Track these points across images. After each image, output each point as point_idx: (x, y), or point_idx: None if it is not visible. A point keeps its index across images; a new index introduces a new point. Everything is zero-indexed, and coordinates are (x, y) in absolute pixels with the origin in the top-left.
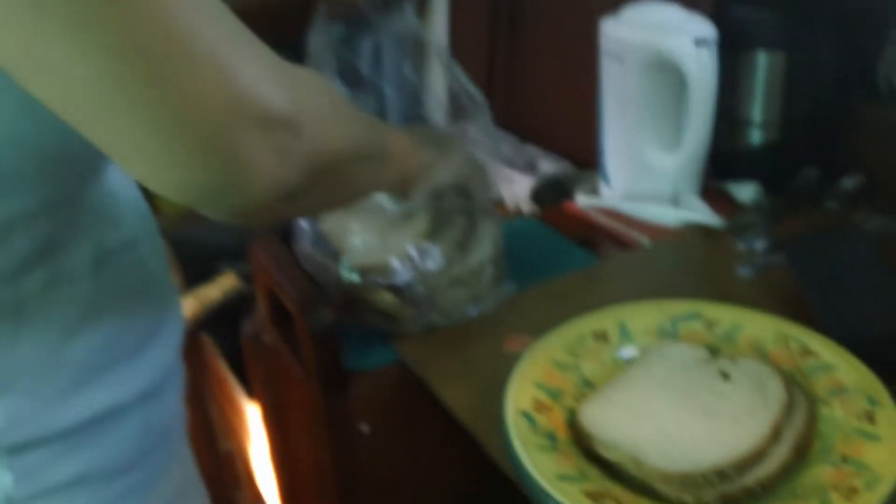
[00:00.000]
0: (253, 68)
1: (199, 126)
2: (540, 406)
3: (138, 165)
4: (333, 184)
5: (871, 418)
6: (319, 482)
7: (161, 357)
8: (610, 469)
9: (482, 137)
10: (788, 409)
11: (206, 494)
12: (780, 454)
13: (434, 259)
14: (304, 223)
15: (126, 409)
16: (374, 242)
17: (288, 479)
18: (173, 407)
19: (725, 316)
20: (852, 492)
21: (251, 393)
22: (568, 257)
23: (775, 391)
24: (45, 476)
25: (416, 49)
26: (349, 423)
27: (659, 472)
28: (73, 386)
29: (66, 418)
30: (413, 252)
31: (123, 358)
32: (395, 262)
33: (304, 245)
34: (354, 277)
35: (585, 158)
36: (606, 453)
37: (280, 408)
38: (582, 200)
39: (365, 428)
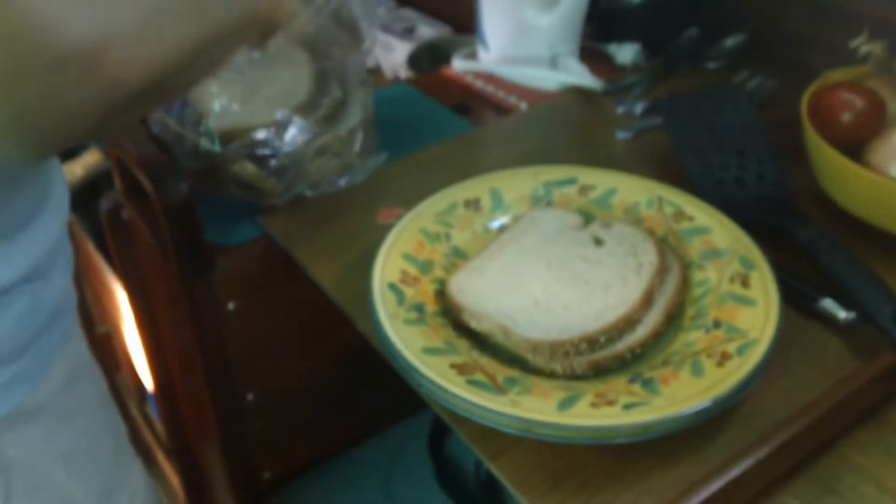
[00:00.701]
0: None
1: None
2: (407, 278)
3: None
4: (173, 86)
5: (744, 282)
6: (187, 362)
7: (46, 235)
8: (480, 341)
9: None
10: (661, 274)
11: (102, 377)
12: (651, 321)
13: (301, 130)
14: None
15: (9, 291)
16: (238, 107)
17: (158, 361)
18: (62, 287)
19: (600, 180)
20: (725, 357)
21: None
22: (444, 125)
23: (648, 256)
24: None
25: None
26: (213, 301)
27: (527, 340)
28: None
29: None
30: (280, 119)
31: (3, 238)
32: (260, 130)
33: (189, 139)
34: (214, 146)
35: (466, 23)
36: (475, 324)
37: (145, 288)
38: (458, 65)
39: (231, 306)
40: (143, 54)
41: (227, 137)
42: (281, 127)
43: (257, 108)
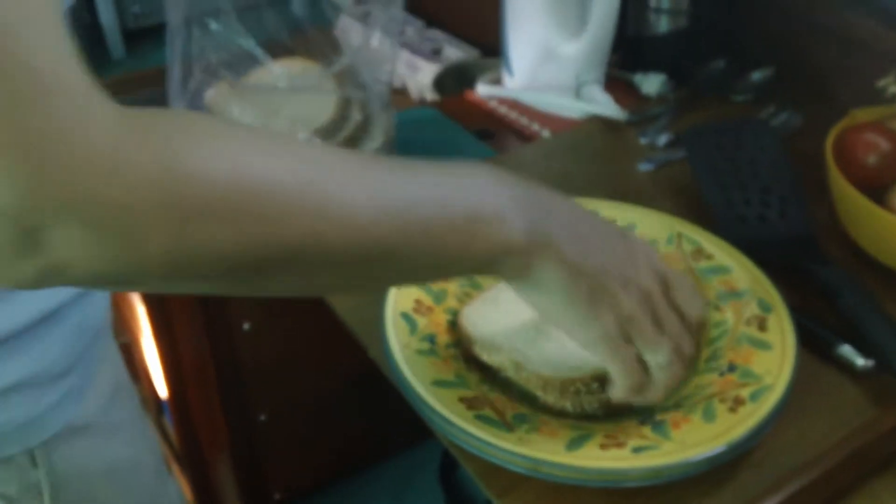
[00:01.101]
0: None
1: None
2: (421, 307)
3: None
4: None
5: (761, 325)
6: (201, 379)
7: None
8: (490, 375)
9: (386, 21)
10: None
11: (136, 394)
12: None
13: None
14: (179, 101)
15: (62, 310)
16: (262, 126)
17: (174, 375)
18: (102, 305)
19: (620, 214)
20: (738, 402)
21: None
22: (466, 150)
23: None
24: None
25: None
26: (229, 321)
27: (539, 377)
28: (6, 292)
29: (2, 325)
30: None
31: None
32: None
33: None
34: None
35: (494, 45)
36: (486, 357)
37: (163, 303)
38: (482, 90)
39: (246, 326)
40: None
41: None
42: None
43: (279, 129)
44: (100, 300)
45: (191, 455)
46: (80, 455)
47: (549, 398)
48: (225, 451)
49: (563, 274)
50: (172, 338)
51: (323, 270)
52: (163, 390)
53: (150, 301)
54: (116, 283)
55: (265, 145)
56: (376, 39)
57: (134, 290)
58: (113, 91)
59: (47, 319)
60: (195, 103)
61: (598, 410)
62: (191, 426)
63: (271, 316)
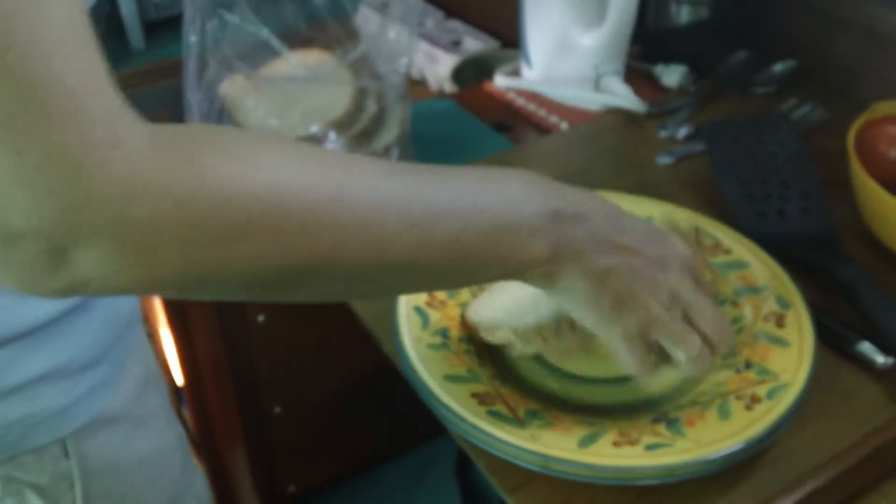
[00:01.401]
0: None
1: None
2: (434, 301)
3: None
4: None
5: (779, 322)
6: (217, 370)
7: None
8: (503, 371)
9: (404, 11)
10: None
11: (164, 385)
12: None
13: (336, 145)
14: (194, 93)
15: (91, 301)
16: (275, 121)
17: (190, 365)
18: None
19: (637, 207)
20: (754, 400)
21: None
22: (483, 142)
23: None
24: (10, 374)
25: None
26: (243, 313)
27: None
28: None
29: (32, 316)
30: (315, 133)
31: None
32: None
33: (194, 115)
34: None
35: (514, 37)
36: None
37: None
38: (500, 81)
39: (261, 318)
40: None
41: None
42: (316, 141)
43: (294, 121)
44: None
45: (207, 445)
46: (111, 446)
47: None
48: (240, 443)
49: (589, 283)
50: (188, 329)
51: (345, 282)
52: (180, 380)
53: None
54: (138, 293)
55: (290, 160)
56: (393, 29)
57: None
58: (133, 82)
59: (77, 310)
60: (210, 95)
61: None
62: (206, 417)
63: (286, 309)
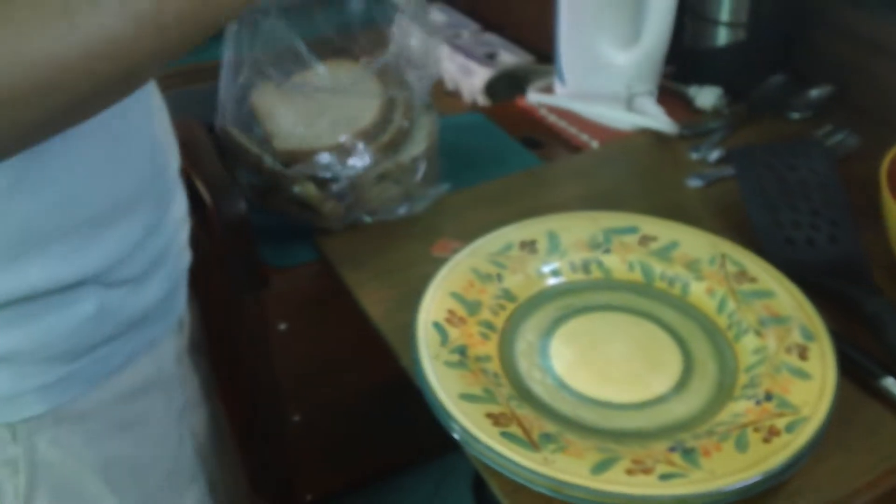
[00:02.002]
0: None
1: None
2: (453, 318)
3: None
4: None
5: (802, 354)
6: (236, 374)
7: (125, 240)
8: (520, 391)
9: (428, 19)
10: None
11: (182, 393)
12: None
13: (363, 155)
14: (227, 97)
15: (75, 288)
16: (303, 129)
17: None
18: (154, 299)
19: (663, 231)
20: (772, 433)
21: None
22: (512, 158)
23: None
24: None
25: None
26: (264, 321)
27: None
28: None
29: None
30: (343, 143)
31: (77, 231)
32: (323, 154)
33: (226, 119)
34: (277, 165)
35: (549, 51)
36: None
37: (202, 295)
38: (532, 97)
39: (282, 326)
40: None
41: (290, 158)
42: (344, 151)
43: (322, 131)
44: (145, 294)
45: None
46: (71, 443)
47: None
48: (256, 452)
49: None
50: (209, 330)
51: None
52: None
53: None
54: None
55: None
56: (421, 39)
57: None
58: (174, 82)
59: (53, 294)
60: (241, 100)
61: None
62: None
63: (308, 318)
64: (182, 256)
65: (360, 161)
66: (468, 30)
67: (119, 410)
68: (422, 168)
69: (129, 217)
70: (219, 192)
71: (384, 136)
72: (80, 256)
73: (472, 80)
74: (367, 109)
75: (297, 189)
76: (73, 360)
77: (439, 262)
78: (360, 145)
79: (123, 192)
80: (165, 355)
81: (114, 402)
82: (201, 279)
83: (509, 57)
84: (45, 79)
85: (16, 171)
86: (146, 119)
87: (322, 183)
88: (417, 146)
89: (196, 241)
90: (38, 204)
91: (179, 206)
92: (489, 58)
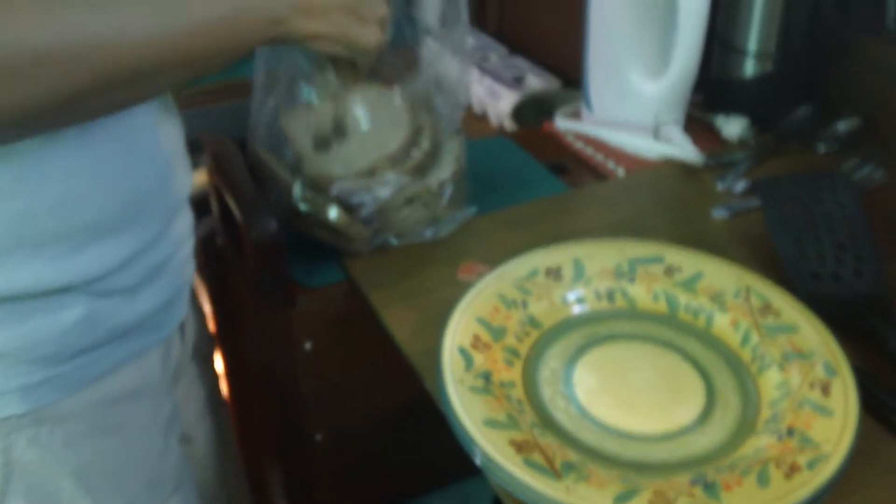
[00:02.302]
0: None
1: None
2: (479, 343)
3: None
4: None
5: (825, 389)
6: (261, 390)
7: (130, 247)
8: (543, 418)
9: (461, 45)
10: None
11: (170, 401)
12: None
13: (391, 180)
14: (259, 117)
15: (64, 293)
16: (333, 151)
17: (236, 380)
18: (148, 310)
19: (688, 262)
20: (794, 469)
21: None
22: (538, 183)
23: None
24: None
25: None
26: (291, 339)
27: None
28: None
29: None
30: (371, 167)
31: (68, 237)
32: (352, 180)
33: (258, 142)
34: (305, 191)
35: (576, 75)
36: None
37: (231, 310)
38: (560, 123)
39: (308, 346)
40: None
41: (319, 182)
42: (372, 176)
43: (351, 155)
44: (139, 304)
45: (248, 462)
46: (48, 445)
47: None
48: (279, 467)
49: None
50: (236, 345)
51: (129, 88)
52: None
53: (218, 307)
54: None
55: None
56: (449, 63)
57: None
58: (209, 98)
59: (39, 297)
60: (272, 120)
61: None
62: (249, 435)
63: (333, 338)
64: (183, 271)
65: (387, 187)
66: (496, 53)
67: (101, 414)
68: (448, 192)
69: (126, 228)
70: (250, 211)
71: (411, 160)
72: (71, 262)
73: (499, 103)
74: (395, 134)
75: (324, 214)
76: (58, 363)
77: (464, 287)
78: (389, 171)
79: (121, 202)
80: (154, 365)
81: (97, 405)
82: (228, 293)
83: (536, 80)
84: (67, 53)
85: (14, 171)
86: (152, 132)
87: (350, 207)
88: (445, 170)
89: (225, 256)
90: (32, 206)
91: (183, 222)
92: (516, 81)
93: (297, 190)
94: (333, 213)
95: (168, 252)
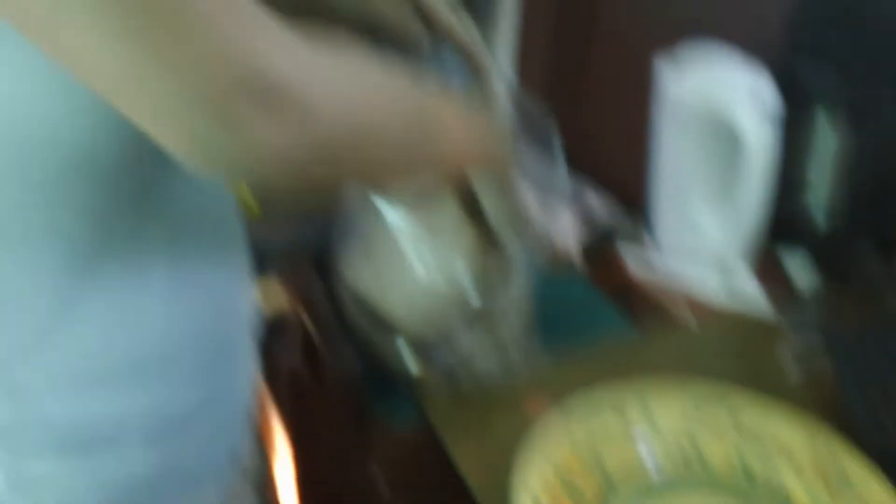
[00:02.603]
0: (259, 42)
1: (199, 91)
2: (555, 497)
3: (149, 123)
4: (353, 159)
5: None
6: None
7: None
8: None
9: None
10: None
11: None
12: None
13: (464, 338)
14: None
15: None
16: (419, 307)
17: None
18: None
19: (761, 421)
20: None
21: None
22: (602, 317)
23: None
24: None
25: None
26: (366, 482)
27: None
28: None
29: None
30: (449, 322)
31: (124, 372)
32: (427, 334)
33: (353, 314)
34: (385, 341)
35: (634, 194)
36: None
37: (309, 433)
38: (628, 258)
39: (385, 490)
40: (342, 109)
41: (420, 347)
42: (450, 330)
43: (427, 307)
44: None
45: None
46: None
47: None
48: None
49: None
50: (305, 473)
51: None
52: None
53: (293, 431)
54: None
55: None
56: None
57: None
58: None
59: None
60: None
61: None
62: None
63: (409, 482)
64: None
65: (467, 341)
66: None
67: None
68: (521, 344)
69: (189, 365)
70: (330, 345)
71: (487, 311)
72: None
73: (559, 225)
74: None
75: (400, 366)
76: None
77: (533, 423)
78: (463, 328)
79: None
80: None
81: None
82: (305, 422)
83: (594, 199)
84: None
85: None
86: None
87: (427, 358)
88: (516, 321)
89: (304, 385)
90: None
91: (245, 365)
92: (576, 201)
93: (408, 365)
94: (409, 363)
95: (232, 404)
